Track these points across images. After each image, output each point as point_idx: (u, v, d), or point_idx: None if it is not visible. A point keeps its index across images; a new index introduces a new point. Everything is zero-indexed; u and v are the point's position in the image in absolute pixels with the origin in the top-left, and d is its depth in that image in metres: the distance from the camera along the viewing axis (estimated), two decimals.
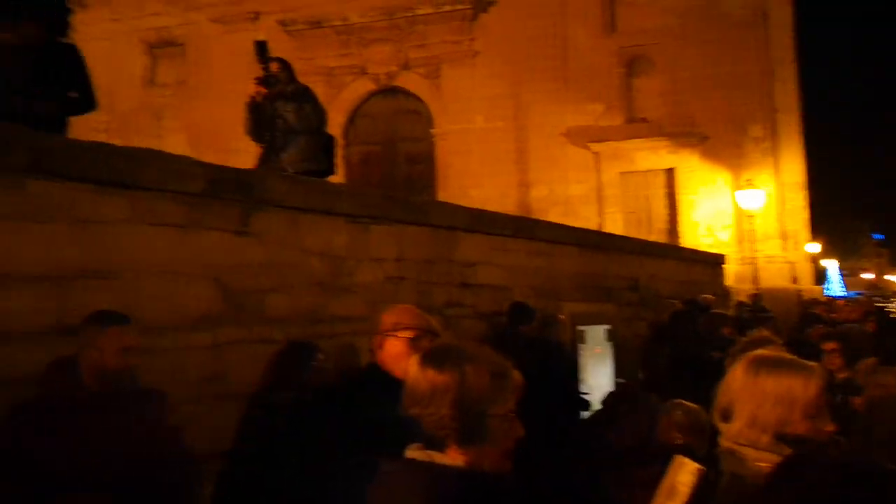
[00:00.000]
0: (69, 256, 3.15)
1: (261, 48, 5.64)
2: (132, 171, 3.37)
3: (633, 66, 15.13)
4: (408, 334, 2.52)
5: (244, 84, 14.01)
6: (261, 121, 5.39)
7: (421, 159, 15.26)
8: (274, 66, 5.45)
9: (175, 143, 13.95)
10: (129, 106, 14.31)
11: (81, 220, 3.21)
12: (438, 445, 1.56)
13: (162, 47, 15.09)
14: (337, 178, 6.48)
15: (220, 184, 3.81)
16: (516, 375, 1.63)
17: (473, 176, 14.42)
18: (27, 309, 3.00)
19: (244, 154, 13.35)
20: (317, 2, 14.07)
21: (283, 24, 13.99)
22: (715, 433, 1.97)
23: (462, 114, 14.62)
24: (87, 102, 4.16)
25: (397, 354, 2.52)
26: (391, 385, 2.47)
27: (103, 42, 14.27)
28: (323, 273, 4.46)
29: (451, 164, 15.02)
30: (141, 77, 14.95)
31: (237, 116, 13.94)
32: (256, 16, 14.37)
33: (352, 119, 14.84)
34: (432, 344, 1.93)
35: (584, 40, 14.72)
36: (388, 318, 2.62)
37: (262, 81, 5.41)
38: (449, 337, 4.83)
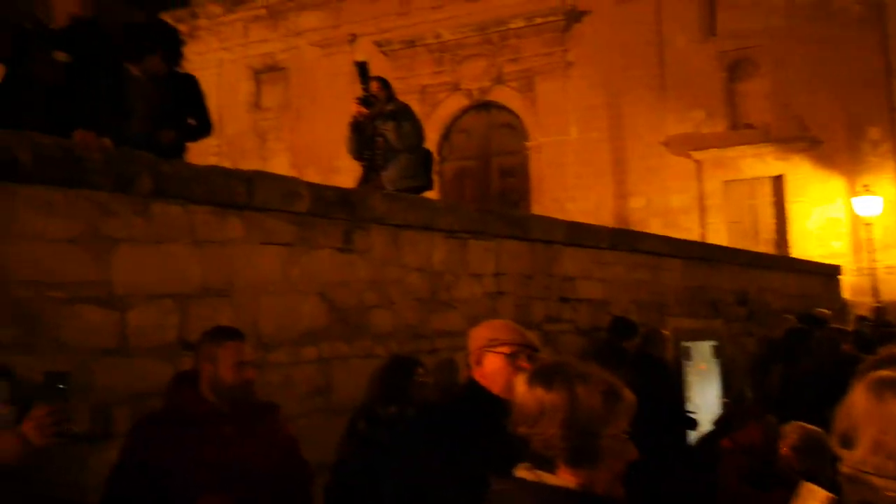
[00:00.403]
0: (190, 275, 3.35)
1: (362, 69, 5.80)
2: (246, 193, 3.55)
3: (735, 69, 14.55)
4: (504, 350, 2.49)
5: (343, 104, 14.49)
6: (362, 139, 5.53)
7: (515, 173, 15.23)
8: (374, 86, 5.60)
9: (279, 164, 14.58)
10: (237, 129, 15.07)
11: (201, 241, 3.40)
12: (548, 466, 1.54)
13: (266, 72, 15.84)
14: (432, 193, 6.57)
15: (325, 203, 3.94)
16: (628, 395, 1.59)
17: (569, 188, 14.25)
18: (152, 325, 3.20)
19: (345, 172, 13.82)
20: (410, 22, 14.38)
21: (378, 44, 14.37)
22: (835, 458, 1.85)
23: (556, 126, 14.50)
24: (204, 128, 4.43)
25: (495, 370, 2.50)
26: (490, 402, 2.46)
27: (213, 70, 15.16)
28: (422, 289, 4.53)
29: (546, 177, 14.91)
30: (247, 102, 15.72)
31: (338, 136, 14.41)
32: (354, 38, 14.84)
33: (446, 135, 15.02)
34: (540, 362, 1.91)
35: (682, 46, 14.31)
36: (485, 333, 2.59)
37: (362, 101, 5.56)
38: (548, 353, 4.79)
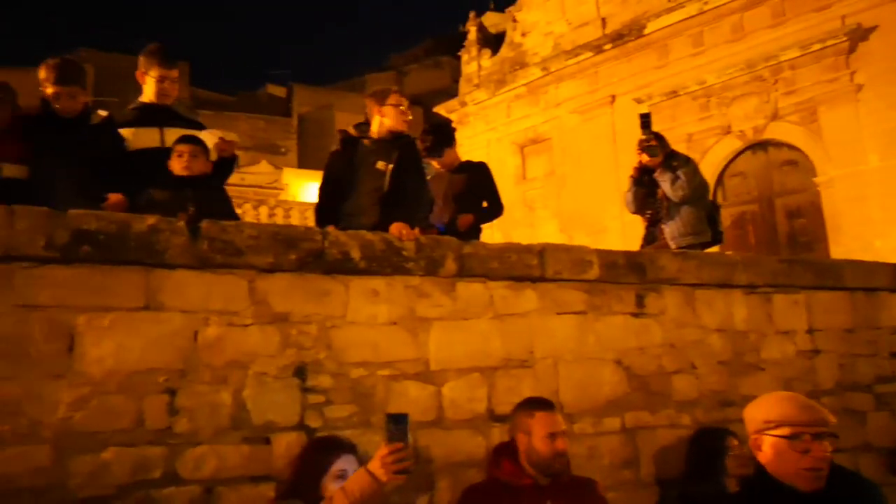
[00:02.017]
0: (493, 348, 3.50)
1: (644, 120, 5.70)
2: (539, 265, 3.66)
3: None
4: (784, 431, 2.17)
5: (605, 166, 14.55)
6: (644, 194, 5.38)
7: (804, 213, 13.72)
8: (652, 140, 5.45)
9: (547, 231, 14.92)
10: (507, 201, 15.70)
11: (500, 315, 3.56)
12: None
13: (530, 145, 16.49)
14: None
15: (615, 268, 3.90)
16: None
17: (874, 224, 12.40)
18: (462, 398, 3.39)
19: (612, 232, 13.71)
20: (670, 73, 14.03)
21: (638, 100, 14.20)
22: None
23: (850, 156, 12.84)
24: (496, 210, 4.71)
25: (778, 457, 2.18)
26: (781, 495, 2.13)
27: (482, 150, 16.20)
28: (725, 351, 4.21)
29: (843, 214, 13.17)
30: (514, 175, 16.45)
31: (602, 198, 14.47)
32: (613, 99, 14.88)
33: (719, 181, 14.14)
34: None
35: None
36: (759, 413, 2.28)
37: (645, 149, 5.41)
38: (884, 419, 4.09)
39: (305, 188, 23.41)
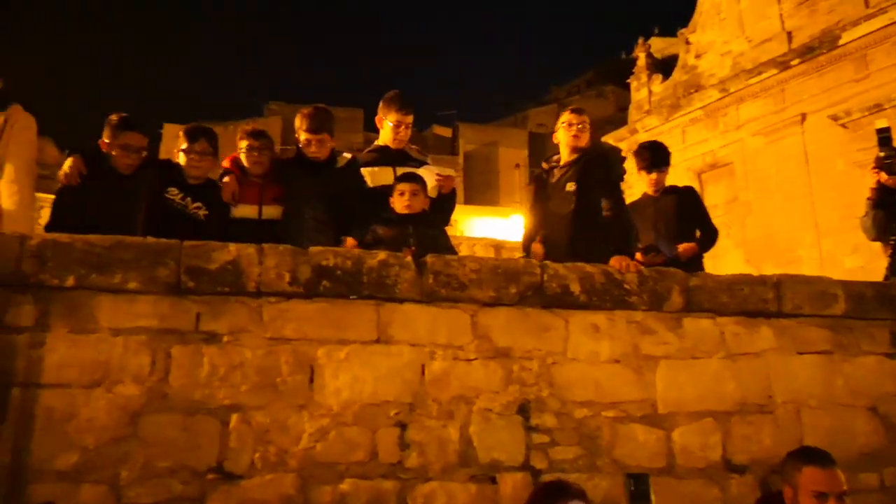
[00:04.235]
0: (726, 391, 3.21)
1: (883, 135, 5.11)
2: (775, 299, 3.33)
3: None
4: None
5: (796, 190, 13.40)
6: (885, 217, 4.75)
7: None
8: (893, 157, 4.82)
9: (732, 261, 13.93)
10: None
11: (732, 354, 3.26)
12: None
13: (708, 171, 15.62)
14: None
15: (862, 301, 3.46)
16: None
17: None
18: (695, 445, 3.11)
19: (807, 263, 12.55)
20: (871, 86, 12.73)
21: (834, 118, 13.01)
22: None
23: None
24: (711, 238, 4.40)
25: None
26: None
27: None
28: None
29: None
30: None
31: (794, 224, 13.32)
32: (803, 118, 13.75)
33: None
34: None
35: None
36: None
37: (884, 167, 4.81)
38: None
39: (471, 223, 23.81)
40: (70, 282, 2.64)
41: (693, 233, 4.36)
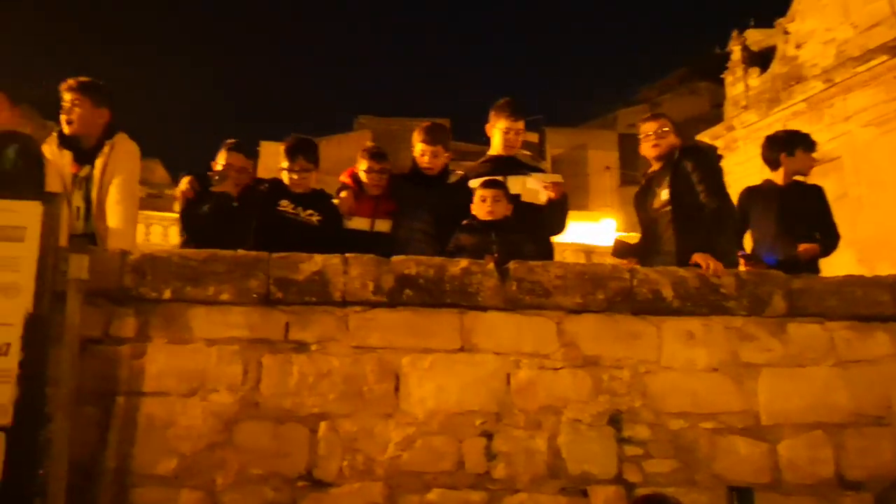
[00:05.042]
0: (838, 401, 2.98)
1: None
2: (891, 302, 3.07)
3: None
4: None
5: None
6: None
7: None
8: None
9: (841, 262, 13.03)
10: None
11: (844, 361, 3.03)
12: None
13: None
14: None
15: None
16: None
17: None
18: (803, 459, 2.91)
19: None
20: None
21: None
22: None
23: None
24: (834, 241, 4.12)
25: None
26: None
27: (754, 178, 14.85)
28: None
29: None
30: None
31: None
32: None
33: None
34: None
35: None
36: None
37: None
38: None
39: None
40: (167, 294, 2.75)
41: (812, 233, 4.05)
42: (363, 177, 3.91)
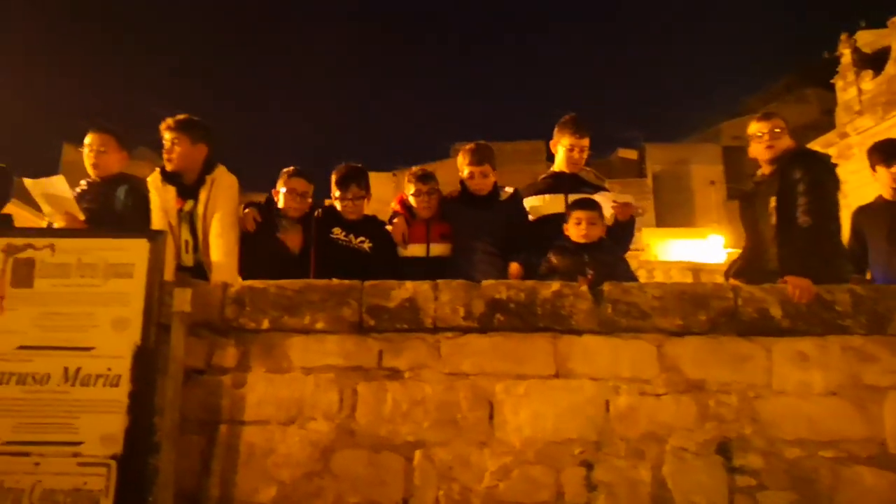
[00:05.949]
0: None
1: None
2: None
3: None
4: None
5: None
6: None
7: None
8: None
9: None
10: None
11: None
12: None
13: None
14: None
15: None
16: None
17: None
18: None
19: None
20: None
21: None
22: None
23: None
24: None
25: None
26: None
27: (874, 185, 13.86)
28: None
29: None
30: None
31: None
32: None
33: None
34: None
35: None
36: None
37: None
38: None
39: (666, 246, 22.74)
40: (265, 324, 2.84)
41: None
42: (412, 201, 3.91)
